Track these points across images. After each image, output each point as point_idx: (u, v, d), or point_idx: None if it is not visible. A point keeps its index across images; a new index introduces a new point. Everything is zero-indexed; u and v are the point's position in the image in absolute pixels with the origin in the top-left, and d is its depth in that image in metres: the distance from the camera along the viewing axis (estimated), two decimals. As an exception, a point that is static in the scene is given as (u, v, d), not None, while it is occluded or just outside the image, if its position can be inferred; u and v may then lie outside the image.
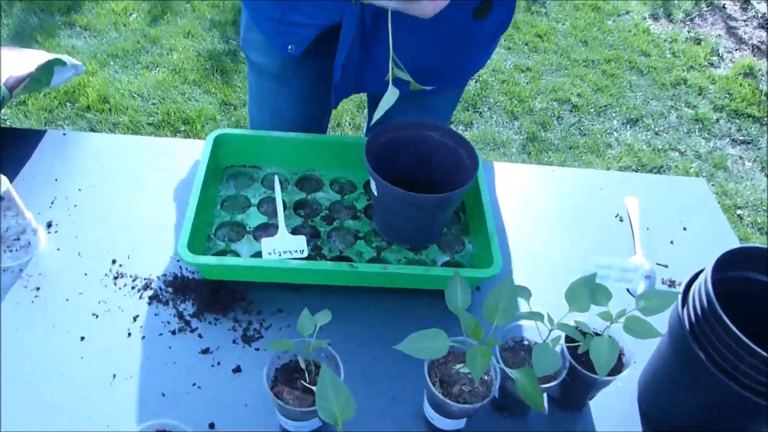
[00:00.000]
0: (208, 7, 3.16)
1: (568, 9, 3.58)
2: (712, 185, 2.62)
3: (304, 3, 0.94)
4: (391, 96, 0.72)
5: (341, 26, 0.94)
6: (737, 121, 2.97)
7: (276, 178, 1.08)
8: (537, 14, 3.50)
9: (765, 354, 0.65)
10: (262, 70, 1.16)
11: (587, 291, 0.73)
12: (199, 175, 0.99)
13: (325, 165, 1.11)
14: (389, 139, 1.00)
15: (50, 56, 1.12)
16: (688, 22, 3.65)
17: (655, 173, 2.62)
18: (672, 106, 3.00)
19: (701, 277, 0.75)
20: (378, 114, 0.71)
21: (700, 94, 3.10)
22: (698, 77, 3.19)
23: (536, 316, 0.73)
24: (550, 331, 0.74)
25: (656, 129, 2.86)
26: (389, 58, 1.01)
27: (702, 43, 3.46)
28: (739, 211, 2.52)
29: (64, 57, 1.15)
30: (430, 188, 1.04)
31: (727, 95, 3.11)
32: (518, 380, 0.66)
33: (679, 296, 0.77)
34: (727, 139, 2.87)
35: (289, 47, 1.03)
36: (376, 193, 0.96)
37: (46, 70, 1.13)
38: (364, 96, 2.34)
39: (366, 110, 1.34)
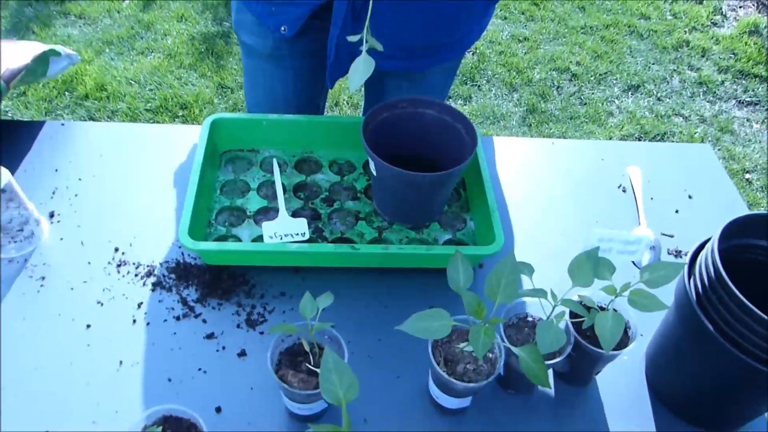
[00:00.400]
0: (201, -12, 3.11)
1: (565, -26, 3.51)
2: (719, 150, 2.59)
3: None
4: (366, 65, 0.69)
5: (332, 4, 0.93)
6: (743, 81, 2.93)
7: (274, 161, 1.07)
8: (534, -19, 3.44)
9: (771, 322, 0.65)
10: (255, 51, 1.15)
11: (590, 265, 0.73)
12: (196, 160, 0.98)
13: (323, 146, 1.11)
14: (386, 117, 0.99)
15: (45, 47, 1.11)
16: (689, -18, 3.58)
17: (659, 140, 2.60)
18: (674, 70, 2.96)
19: (707, 247, 0.74)
20: (353, 84, 0.69)
21: (703, 56, 3.05)
22: (701, 38, 3.14)
23: (539, 292, 0.72)
24: (554, 307, 0.73)
25: (658, 94, 2.82)
26: (382, 34, 0.99)
27: (704, 2, 3.40)
28: (747, 176, 2.49)
29: (59, 47, 1.14)
30: (429, 165, 1.03)
31: (732, 55, 3.06)
32: (522, 358, 0.66)
33: (685, 267, 0.76)
34: (733, 101, 2.84)
35: (282, 28, 1.02)
36: (374, 173, 0.95)
37: (42, 61, 1.12)
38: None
39: (363, 89, 1.32)
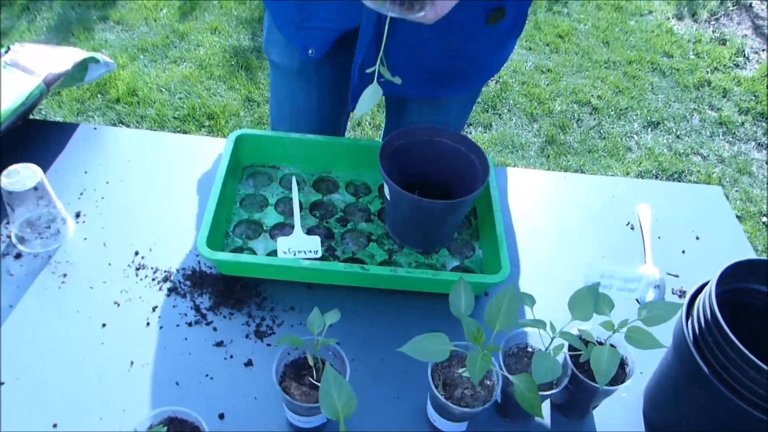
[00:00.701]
0: (235, 3, 3.20)
1: (590, 9, 3.55)
2: (736, 191, 2.59)
3: (323, 7, 0.97)
4: (374, 94, 0.74)
5: (359, 30, 0.97)
6: (763, 124, 2.93)
7: (293, 179, 1.11)
8: (558, 14, 3.49)
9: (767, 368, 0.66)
10: (282, 69, 1.19)
11: (590, 300, 0.75)
12: (219, 173, 1.02)
13: (342, 167, 1.14)
14: (403, 143, 1.02)
15: (85, 54, 1.16)
16: (713, 22, 3.60)
17: (676, 178, 2.61)
18: (695, 109, 2.98)
19: (705, 290, 0.76)
20: (360, 110, 0.73)
21: (724, 96, 3.06)
22: (723, 79, 3.15)
23: (538, 323, 0.75)
24: (552, 339, 0.76)
25: (678, 132, 2.83)
26: (406, 60, 1.03)
27: (727, 43, 3.42)
28: (764, 219, 2.49)
29: (98, 55, 1.19)
30: (443, 192, 1.06)
31: (753, 97, 3.07)
32: (517, 386, 0.68)
33: (684, 307, 0.78)
34: (753, 143, 2.84)
35: (309, 51, 1.06)
36: (388, 197, 0.98)
37: (81, 67, 1.17)
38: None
39: (384, 113, 1.36)
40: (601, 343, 0.80)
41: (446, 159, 1.04)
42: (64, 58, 1.10)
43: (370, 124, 2.63)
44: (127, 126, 2.49)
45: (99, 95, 2.59)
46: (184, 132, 2.48)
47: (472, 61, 1.07)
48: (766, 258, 0.78)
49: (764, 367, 0.66)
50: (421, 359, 0.69)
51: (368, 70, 0.74)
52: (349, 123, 2.59)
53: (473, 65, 1.08)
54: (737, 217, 2.43)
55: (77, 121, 2.48)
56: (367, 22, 0.95)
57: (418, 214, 0.97)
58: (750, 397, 0.69)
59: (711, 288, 0.73)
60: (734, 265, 0.76)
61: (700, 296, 0.77)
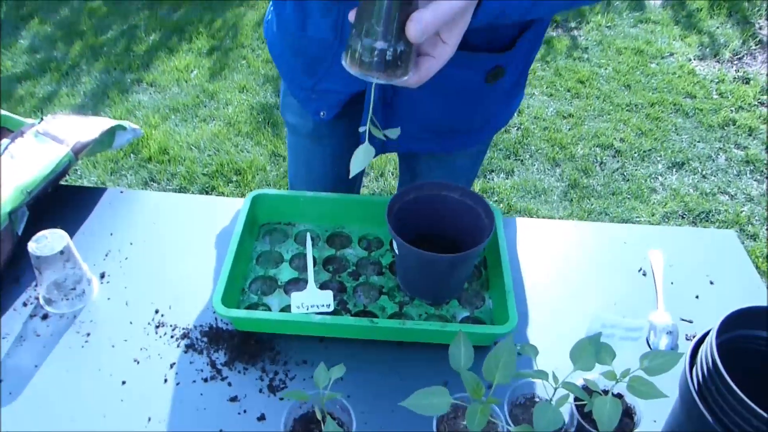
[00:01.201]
0: (262, 62, 3.34)
1: (610, 54, 3.60)
2: (767, 229, 2.54)
3: (331, 73, 1.03)
4: (367, 152, 0.77)
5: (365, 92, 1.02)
6: (791, 162, 2.89)
7: (308, 235, 1.15)
8: (579, 60, 3.54)
9: (768, 417, 0.66)
10: (297, 130, 1.25)
11: (591, 350, 0.76)
12: (235, 232, 1.07)
13: (354, 222, 1.18)
14: (412, 198, 1.05)
15: (113, 122, 1.24)
16: (735, 62, 3.60)
17: (703, 218, 2.58)
18: (720, 148, 2.96)
19: (708, 338, 0.76)
20: (354, 169, 0.77)
21: (750, 135, 3.04)
22: (748, 117, 3.13)
23: (540, 374, 0.75)
24: (555, 389, 0.76)
25: (703, 172, 2.81)
26: (411, 118, 1.07)
27: (751, 82, 3.40)
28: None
29: (125, 123, 1.27)
30: (450, 245, 1.09)
31: (781, 136, 3.03)
32: (517, 438, 0.69)
33: (688, 356, 0.78)
34: (782, 181, 2.80)
35: (321, 113, 1.11)
36: (397, 252, 1.01)
37: (109, 134, 1.25)
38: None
39: (399, 168, 1.41)
40: (607, 392, 0.80)
41: (453, 213, 1.07)
42: (91, 127, 1.17)
43: (392, 174, 2.68)
44: (158, 183, 2.60)
45: (132, 155, 2.72)
46: (213, 188, 2.57)
47: (478, 118, 1.11)
48: (765, 305, 0.78)
49: (765, 415, 0.65)
50: (421, 413, 0.70)
51: (361, 129, 0.78)
52: (372, 173, 2.66)
53: (479, 121, 1.12)
54: None
55: (111, 179, 2.60)
56: (371, 86, 1.00)
57: (426, 268, 1.00)
58: (756, 448, 0.68)
59: (712, 337, 0.74)
60: (736, 312, 0.76)
61: (703, 345, 0.77)
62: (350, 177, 0.80)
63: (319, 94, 1.10)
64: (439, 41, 0.67)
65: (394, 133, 0.84)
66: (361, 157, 0.76)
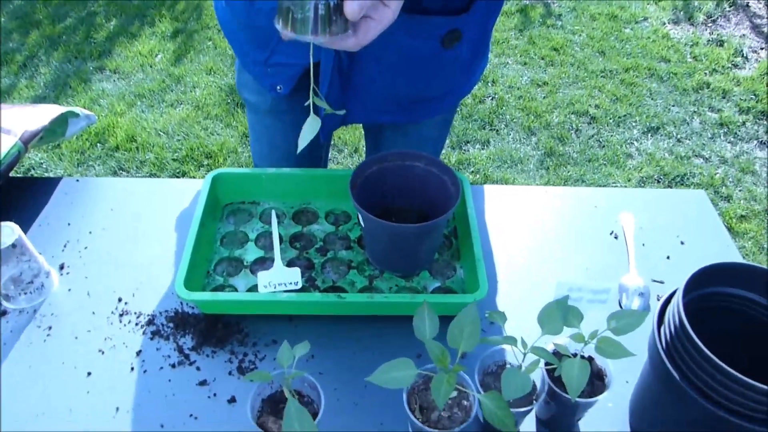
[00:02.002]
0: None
1: (584, 20, 3.57)
2: (740, 190, 2.56)
3: (282, 45, 0.99)
4: (312, 125, 0.75)
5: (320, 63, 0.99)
6: (764, 122, 2.90)
7: (273, 212, 1.12)
8: (553, 27, 3.51)
9: (736, 373, 0.65)
10: (256, 108, 1.21)
11: (559, 313, 0.74)
12: (196, 214, 1.04)
13: (320, 197, 1.15)
14: (375, 170, 1.03)
15: (63, 109, 1.20)
16: (710, 24, 3.59)
17: (678, 182, 2.58)
18: (695, 112, 2.96)
19: (675, 297, 0.75)
20: (302, 143, 0.75)
21: (724, 97, 3.04)
22: (721, 80, 3.13)
23: (509, 340, 0.74)
24: (525, 354, 0.75)
25: (678, 136, 2.82)
26: (370, 90, 1.05)
27: (725, 44, 3.40)
28: (769, 216, 2.46)
29: (77, 109, 1.23)
30: (418, 216, 1.07)
31: (753, 96, 3.04)
32: (485, 404, 0.67)
33: (656, 315, 0.77)
34: (755, 142, 2.81)
35: (278, 87, 1.08)
36: (363, 225, 0.99)
37: (60, 122, 1.20)
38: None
39: (363, 141, 1.38)
40: (576, 356, 0.79)
41: (419, 182, 1.05)
42: (40, 115, 1.13)
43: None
44: (128, 172, 2.54)
45: (98, 144, 2.65)
46: (183, 173, 2.52)
47: (438, 87, 1.08)
48: (733, 262, 0.77)
49: (732, 371, 0.65)
50: (387, 387, 0.69)
51: (306, 103, 0.76)
52: (346, 149, 2.62)
53: (439, 90, 1.09)
54: (742, 216, 2.41)
55: (78, 171, 2.54)
56: (326, 56, 0.96)
57: (393, 240, 0.98)
58: (723, 402, 0.67)
59: (678, 295, 0.73)
60: (702, 270, 0.75)
61: (670, 304, 0.76)
62: (297, 152, 0.78)
63: (273, 68, 1.06)
64: (380, 4, 0.64)
65: (340, 112, 0.81)
66: (308, 130, 0.74)
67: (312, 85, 0.74)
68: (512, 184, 2.54)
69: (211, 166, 2.55)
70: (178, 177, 2.51)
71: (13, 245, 0.94)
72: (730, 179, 2.60)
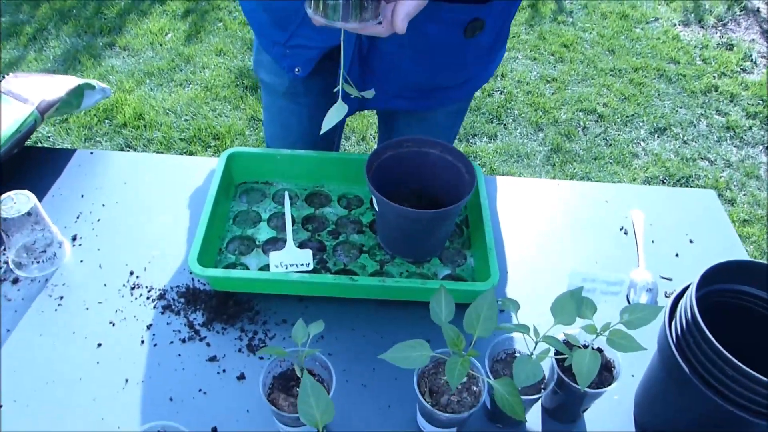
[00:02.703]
0: (240, 25, 3.26)
1: (595, 18, 3.56)
2: (744, 194, 2.56)
3: (304, 27, 0.99)
4: (339, 110, 0.75)
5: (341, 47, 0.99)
6: (771, 128, 2.91)
7: (286, 194, 1.12)
8: (563, 24, 3.50)
9: (746, 368, 0.66)
10: (272, 89, 1.21)
11: (573, 304, 0.75)
12: (211, 191, 1.04)
13: (333, 181, 1.16)
14: (391, 155, 1.03)
15: (80, 81, 1.20)
16: (720, 28, 3.59)
17: (683, 183, 2.59)
18: (702, 114, 2.96)
19: (688, 292, 0.76)
20: (326, 125, 0.75)
21: (731, 101, 3.04)
22: (730, 84, 3.13)
23: (522, 328, 0.75)
24: (536, 343, 0.76)
25: (685, 138, 2.82)
26: (388, 75, 1.05)
27: (734, 48, 3.40)
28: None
29: (93, 81, 1.23)
30: (431, 202, 1.07)
31: (761, 101, 3.04)
32: (498, 390, 0.68)
33: (667, 310, 0.78)
34: (760, 147, 2.81)
35: (296, 69, 1.08)
36: (377, 209, 0.99)
37: (77, 94, 1.21)
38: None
39: (377, 127, 1.38)
40: (587, 347, 0.80)
41: (434, 169, 1.05)
42: (57, 85, 1.13)
43: (374, 138, 2.65)
44: (134, 149, 2.54)
45: (106, 120, 2.65)
46: (190, 153, 2.52)
47: (457, 75, 1.08)
48: (747, 259, 0.78)
49: (742, 366, 0.65)
50: (402, 366, 0.69)
51: (335, 90, 0.76)
52: (354, 137, 2.62)
53: (458, 78, 1.10)
54: (745, 220, 2.42)
55: (85, 146, 2.54)
56: (348, 39, 0.96)
57: (406, 225, 0.98)
58: (732, 397, 0.68)
59: (692, 290, 0.73)
60: (715, 267, 0.76)
61: (683, 299, 0.76)
62: (320, 134, 0.78)
63: (292, 49, 1.06)
64: None
65: (369, 93, 0.82)
66: (334, 115, 0.75)
67: (342, 71, 0.74)
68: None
69: (218, 147, 2.54)
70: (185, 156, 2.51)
71: (29, 213, 0.94)
72: (735, 183, 2.61)
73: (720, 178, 2.62)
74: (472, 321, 0.70)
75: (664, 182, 2.60)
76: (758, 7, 3.75)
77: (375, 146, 2.59)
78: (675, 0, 3.77)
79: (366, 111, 1.45)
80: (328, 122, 0.75)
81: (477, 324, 0.69)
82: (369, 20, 0.65)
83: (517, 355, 0.84)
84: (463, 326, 0.71)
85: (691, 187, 2.58)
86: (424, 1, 0.62)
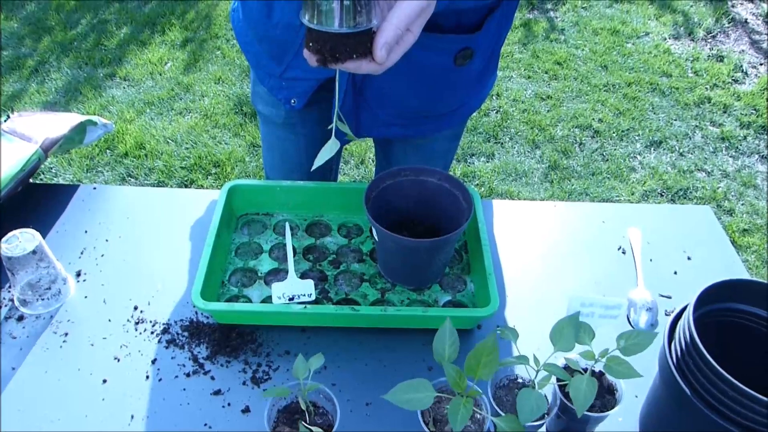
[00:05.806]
0: (237, 53, 3.30)
1: (587, 35, 3.60)
2: (742, 204, 2.58)
3: (299, 59, 1.01)
4: (331, 146, 0.77)
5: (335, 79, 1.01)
6: (765, 136, 2.93)
7: (287, 225, 1.14)
8: (556, 42, 3.54)
9: (747, 389, 0.67)
10: (270, 120, 1.24)
11: (571, 330, 0.76)
12: (212, 224, 1.06)
13: (333, 210, 1.17)
14: (389, 185, 1.05)
15: (83, 118, 1.22)
16: (710, 40, 3.63)
17: (681, 195, 2.60)
18: (696, 126, 2.98)
19: (685, 313, 0.77)
20: (318, 161, 0.77)
21: (725, 112, 3.07)
22: (722, 95, 3.16)
23: (522, 359, 0.76)
24: (537, 372, 0.76)
25: (681, 150, 2.84)
26: (382, 104, 1.07)
27: (725, 59, 3.43)
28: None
29: (95, 118, 1.25)
30: (430, 230, 1.09)
31: (754, 111, 3.07)
32: (500, 428, 0.69)
33: (666, 330, 0.79)
34: (756, 156, 2.83)
35: (292, 101, 1.10)
36: (376, 238, 1.01)
37: (79, 130, 1.23)
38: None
39: (374, 154, 1.40)
40: (587, 371, 0.81)
41: (432, 197, 1.06)
42: (60, 123, 1.15)
43: (373, 161, 2.67)
44: (136, 179, 2.56)
45: (108, 151, 2.67)
46: (191, 181, 2.54)
47: (449, 102, 1.10)
48: (744, 278, 0.79)
49: (743, 387, 0.66)
50: (405, 408, 0.70)
51: (329, 127, 0.78)
52: (353, 161, 2.64)
53: (451, 105, 1.11)
54: (744, 230, 2.43)
55: (87, 177, 2.56)
56: (342, 72, 0.98)
57: (406, 254, 1.00)
58: (734, 417, 0.69)
59: (689, 311, 0.74)
60: (712, 286, 0.77)
61: (681, 319, 0.77)
62: (311, 170, 0.80)
63: (288, 81, 1.08)
64: (405, 31, 0.66)
65: (348, 130, 0.84)
66: (327, 151, 0.76)
67: (336, 109, 0.76)
68: (517, 196, 2.56)
69: (218, 175, 2.56)
70: (186, 185, 2.53)
71: (33, 251, 0.96)
72: (733, 193, 2.62)
73: (718, 188, 2.64)
74: (473, 366, 0.70)
75: (662, 195, 2.61)
76: (746, 19, 3.79)
77: (373, 170, 2.62)
78: (664, 15, 3.82)
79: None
80: (321, 158, 0.77)
81: (477, 368, 0.70)
82: (363, 25, 0.65)
83: (519, 381, 0.85)
84: (464, 369, 0.72)
85: (689, 198, 2.60)
86: (401, 31, 0.63)
